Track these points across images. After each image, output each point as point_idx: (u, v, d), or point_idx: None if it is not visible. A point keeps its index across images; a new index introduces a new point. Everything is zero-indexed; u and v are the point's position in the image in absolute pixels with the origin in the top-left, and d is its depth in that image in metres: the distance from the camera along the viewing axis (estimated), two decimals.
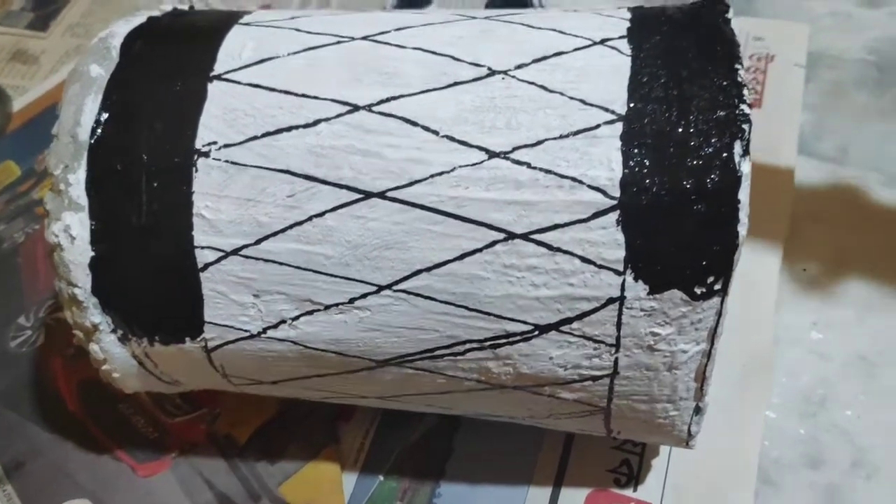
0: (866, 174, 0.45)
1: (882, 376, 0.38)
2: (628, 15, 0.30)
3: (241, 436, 0.38)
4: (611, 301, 0.27)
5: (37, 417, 0.40)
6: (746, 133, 0.26)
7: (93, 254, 0.29)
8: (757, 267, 0.41)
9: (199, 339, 0.30)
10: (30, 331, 0.43)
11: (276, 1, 0.59)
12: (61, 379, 0.41)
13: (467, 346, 0.28)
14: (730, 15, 0.30)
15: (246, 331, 0.29)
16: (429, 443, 0.37)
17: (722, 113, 0.26)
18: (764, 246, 0.42)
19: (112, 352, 0.31)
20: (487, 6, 0.52)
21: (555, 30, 0.29)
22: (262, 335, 0.29)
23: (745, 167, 0.25)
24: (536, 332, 0.28)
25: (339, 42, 0.30)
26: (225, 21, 0.32)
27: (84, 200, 0.29)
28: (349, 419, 0.38)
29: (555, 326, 0.28)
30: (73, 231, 0.29)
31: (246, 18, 0.32)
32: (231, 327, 0.29)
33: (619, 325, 0.27)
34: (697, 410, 0.30)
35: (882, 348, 0.38)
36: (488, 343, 0.28)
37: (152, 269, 0.29)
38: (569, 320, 0.27)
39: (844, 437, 0.36)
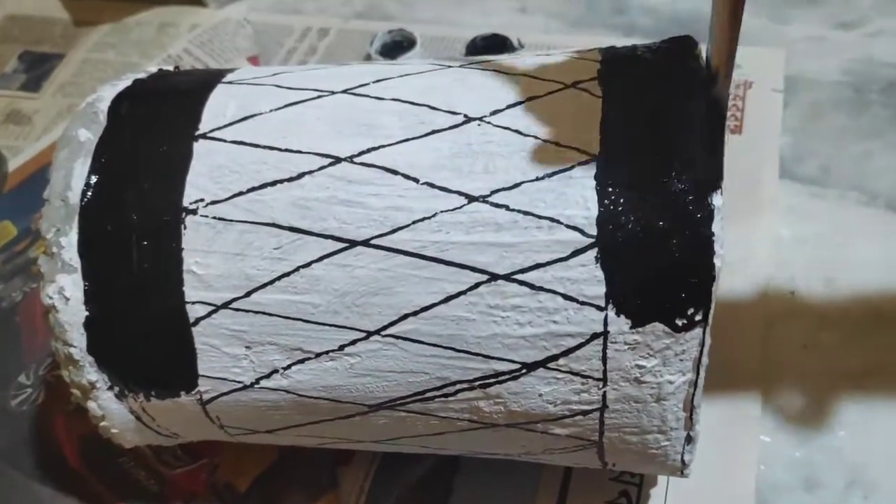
0: (847, 194, 0.46)
1: (872, 396, 0.38)
2: (599, 56, 0.31)
3: (242, 484, 0.39)
4: (595, 336, 0.27)
5: (39, 474, 0.40)
6: (719, 166, 0.26)
7: (87, 314, 0.30)
8: (744, 293, 0.42)
9: (194, 393, 0.30)
10: (30, 389, 0.43)
11: (264, 51, 0.60)
12: (62, 435, 0.41)
13: (457, 386, 0.29)
14: (698, 51, 0.30)
15: (239, 382, 0.30)
16: (429, 484, 0.38)
17: (692, 148, 0.27)
18: (749, 272, 0.42)
19: (110, 408, 0.32)
20: (468, 49, 0.53)
21: (527, 75, 0.30)
22: (256, 385, 0.30)
23: (717, 201, 0.26)
24: (524, 370, 0.28)
25: (319, 96, 0.31)
26: (208, 80, 0.33)
27: (77, 262, 0.30)
28: (348, 463, 0.39)
29: (542, 363, 0.28)
30: (66, 292, 0.30)
31: (229, 77, 0.33)
32: (225, 379, 0.30)
33: (604, 359, 0.28)
34: (689, 439, 0.30)
35: (871, 368, 0.39)
36: (478, 383, 0.29)
37: (146, 325, 0.30)
38: (555, 357, 0.28)
39: (839, 457, 0.36)
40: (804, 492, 0.36)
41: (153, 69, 0.35)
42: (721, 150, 0.27)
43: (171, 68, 0.36)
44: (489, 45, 0.53)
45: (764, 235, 0.44)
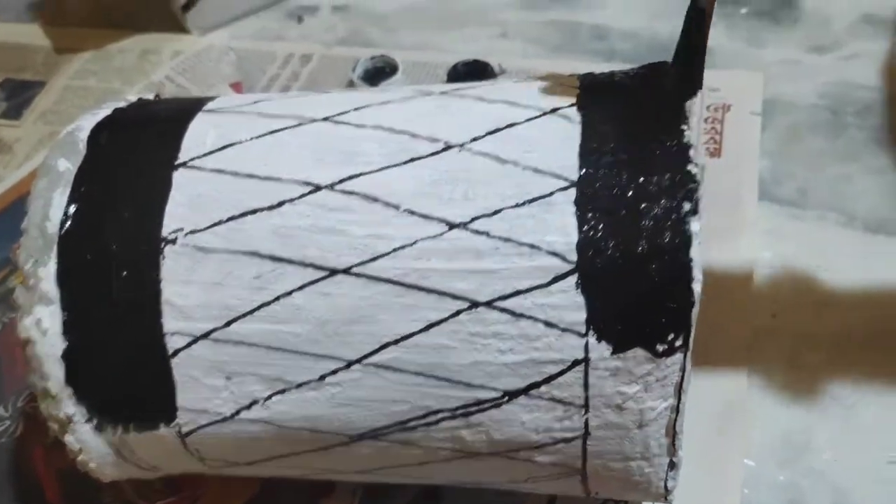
0: (826, 215, 0.46)
1: (856, 418, 0.38)
2: (578, 83, 0.31)
3: None
4: (576, 363, 0.27)
5: None
6: (695, 193, 0.27)
7: (65, 345, 0.30)
8: (726, 315, 0.42)
9: (173, 425, 0.30)
10: (9, 421, 0.43)
11: (246, 78, 0.60)
12: (41, 469, 0.41)
13: (440, 415, 0.29)
14: (676, 77, 0.31)
15: (219, 413, 0.30)
16: None
17: (669, 174, 0.27)
18: (731, 295, 0.43)
19: (88, 442, 0.31)
20: (449, 75, 0.54)
21: (507, 102, 0.30)
22: (236, 417, 0.30)
23: (696, 226, 0.26)
24: (506, 398, 0.28)
25: (299, 124, 0.31)
26: (188, 109, 0.33)
27: (55, 293, 0.30)
28: (330, 495, 0.38)
29: (524, 391, 0.28)
30: (44, 324, 0.29)
31: (209, 105, 0.33)
32: (204, 411, 0.30)
33: (586, 385, 0.28)
34: (672, 466, 0.30)
35: (855, 390, 0.39)
36: (460, 411, 0.28)
37: (124, 357, 0.29)
38: (537, 384, 0.28)
39: (823, 480, 0.36)
40: None
41: (133, 98, 0.35)
42: (701, 64, 0.29)
43: (151, 96, 0.36)
44: (470, 71, 0.54)
45: (744, 257, 0.44)
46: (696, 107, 0.47)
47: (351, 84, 0.56)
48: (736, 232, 0.45)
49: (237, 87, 0.59)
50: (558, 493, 0.33)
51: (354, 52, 0.60)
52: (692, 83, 0.29)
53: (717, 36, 0.58)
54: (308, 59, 0.61)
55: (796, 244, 0.45)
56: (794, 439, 0.38)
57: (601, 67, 0.33)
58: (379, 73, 0.56)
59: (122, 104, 0.34)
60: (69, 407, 0.30)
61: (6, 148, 0.58)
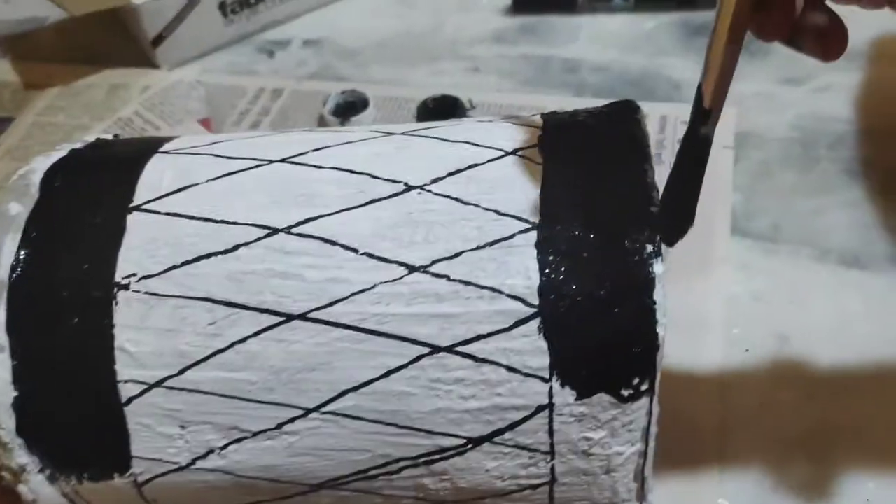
0: (800, 249, 0.46)
1: (830, 457, 0.37)
2: (540, 122, 0.31)
3: None
4: (540, 409, 0.27)
5: None
6: (657, 234, 0.26)
7: (15, 394, 0.29)
8: (697, 352, 0.41)
9: (128, 475, 0.29)
10: None
11: (216, 113, 0.59)
12: None
13: (401, 464, 0.28)
14: (639, 116, 0.30)
15: (175, 463, 0.29)
16: None
17: (632, 215, 0.27)
18: (704, 326, 0.42)
19: (42, 492, 0.30)
20: (419, 111, 0.53)
21: (469, 142, 0.30)
22: (192, 466, 0.29)
23: (659, 268, 0.26)
24: (470, 445, 0.27)
25: (257, 166, 0.30)
26: (144, 150, 0.32)
27: (5, 340, 0.29)
28: None
29: (487, 438, 0.27)
30: None
31: (166, 146, 0.32)
32: (159, 460, 0.29)
33: (551, 432, 0.27)
34: None
35: (828, 429, 0.38)
36: (422, 460, 0.28)
37: (76, 405, 0.29)
38: (501, 431, 0.27)
39: None
40: None
41: (91, 139, 0.35)
42: (696, 195, 0.27)
43: (110, 136, 0.36)
44: (440, 106, 0.53)
45: (716, 292, 0.44)
46: (667, 140, 0.47)
47: (321, 119, 0.56)
48: (708, 267, 0.45)
49: (206, 122, 0.58)
50: None
51: (325, 86, 0.60)
52: (684, 221, 0.27)
53: (690, 68, 0.58)
54: (279, 93, 0.60)
55: (769, 279, 0.44)
56: (767, 479, 0.37)
57: (572, 101, 0.33)
58: (350, 107, 0.56)
59: (78, 145, 0.34)
60: (22, 457, 0.29)
61: None
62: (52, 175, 0.31)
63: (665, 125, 0.53)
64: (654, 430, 0.27)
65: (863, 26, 0.58)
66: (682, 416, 0.38)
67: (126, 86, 0.63)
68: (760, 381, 0.40)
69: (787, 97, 0.55)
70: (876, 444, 0.38)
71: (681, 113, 0.54)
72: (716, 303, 0.43)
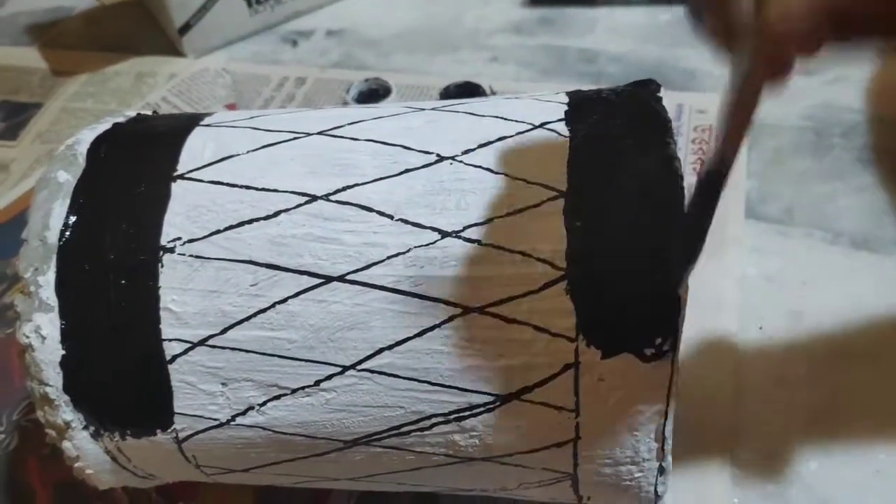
0: (813, 232, 0.47)
1: (842, 430, 0.39)
2: (566, 99, 0.32)
3: None
4: (567, 367, 0.28)
5: None
6: (680, 202, 0.27)
7: (63, 352, 0.30)
8: (714, 326, 0.42)
9: (169, 431, 0.30)
10: (3, 434, 0.43)
11: (241, 99, 0.61)
12: (36, 481, 0.41)
13: (433, 420, 0.29)
14: (661, 94, 0.32)
15: (215, 419, 0.30)
16: None
17: (656, 184, 0.28)
18: (719, 306, 0.43)
19: (85, 448, 0.32)
20: (441, 96, 0.55)
21: (498, 116, 0.31)
22: (232, 423, 0.30)
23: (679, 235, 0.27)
24: (498, 402, 0.29)
25: (295, 138, 0.32)
26: (186, 124, 0.33)
27: (54, 301, 0.30)
28: (324, 503, 0.38)
29: (516, 395, 0.28)
30: (43, 331, 0.30)
31: (206, 120, 0.34)
32: (200, 417, 0.30)
33: (576, 390, 0.28)
34: (661, 471, 0.30)
35: (840, 403, 0.40)
36: (453, 416, 0.29)
37: (122, 364, 0.30)
38: (529, 388, 0.28)
39: (810, 491, 0.37)
40: None
41: (132, 114, 0.36)
42: (702, 239, 0.27)
43: (149, 113, 0.37)
44: (462, 93, 0.55)
45: (731, 273, 0.45)
46: (683, 128, 0.48)
47: (345, 105, 0.57)
48: (723, 249, 0.46)
49: (232, 108, 0.60)
50: (550, 499, 0.33)
51: (348, 74, 0.61)
52: (694, 249, 0.27)
53: (704, 60, 0.59)
54: (302, 81, 0.62)
55: (782, 260, 0.46)
56: (780, 451, 0.38)
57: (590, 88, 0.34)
58: (372, 94, 0.57)
59: (120, 119, 0.35)
60: (67, 413, 0.31)
61: (3, 167, 0.59)
62: (98, 146, 0.33)
63: (681, 113, 0.54)
64: (675, 389, 0.28)
65: None
66: (699, 388, 0.39)
67: (153, 73, 0.65)
68: (773, 356, 0.42)
69: (800, 88, 0.56)
70: (885, 416, 0.39)
71: (695, 102, 0.55)
72: (731, 282, 0.45)
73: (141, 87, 0.64)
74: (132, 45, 0.68)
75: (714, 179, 0.26)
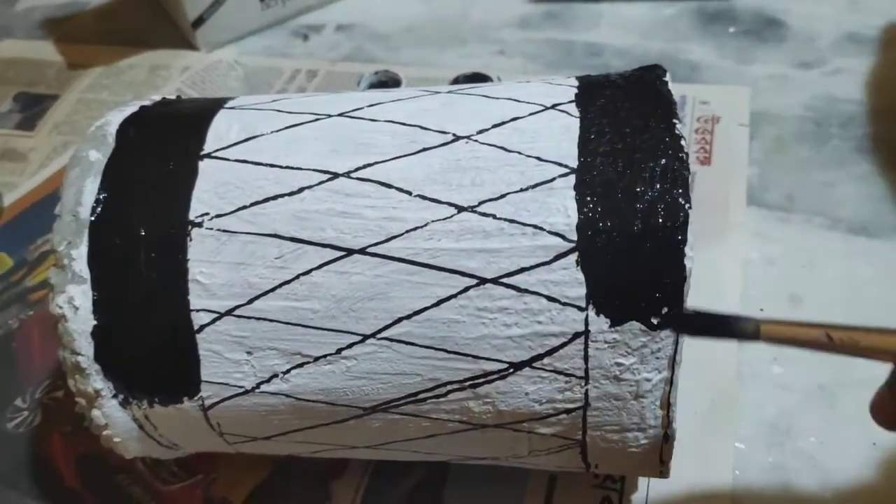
0: (812, 219, 0.48)
1: (840, 404, 0.40)
2: (576, 83, 0.34)
3: (237, 499, 0.40)
4: (577, 335, 0.29)
5: (36, 493, 0.41)
6: (686, 177, 0.29)
7: (95, 323, 0.31)
8: (717, 308, 0.44)
9: (196, 398, 0.32)
10: (26, 412, 0.44)
11: (254, 91, 0.62)
12: (59, 455, 0.42)
13: (448, 387, 0.31)
14: (666, 78, 0.33)
15: (240, 387, 0.31)
16: (419, 496, 0.39)
17: (663, 161, 0.29)
18: (721, 288, 0.45)
19: (114, 416, 0.33)
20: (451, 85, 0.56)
21: (511, 98, 0.33)
22: (256, 390, 0.31)
23: (687, 207, 0.28)
24: (511, 370, 0.30)
25: (316, 119, 0.33)
26: (211, 106, 0.35)
27: (86, 273, 0.31)
28: (340, 476, 0.40)
29: (528, 363, 0.30)
30: (76, 302, 0.31)
31: (230, 103, 0.35)
32: (226, 384, 0.31)
33: (586, 357, 0.29)
34: (666, 438, 0.32)
35: (839, 379, 0.41)
36: (468, 383, 0.30)
37: (151, 333, 0.31)
38: (540, 356, 0.30)
39: (810, 462, 0.38)
40: (779, 494, 0.37)
41: (157, 98, 0.37)
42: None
43: (174, 97, 0.38)
44: (471, 83, 0.56)
45: (733, 258, 0.46)
46: (686, 118, 0.50)
47: None
48: (725, 234, 0.48)
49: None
50: (559, 468, 0.34)
51: (359, 67, 0.63)
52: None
53: (707, 53, 0.60)
54: (314, 74, 0.63)
55: (783, 245, 0.47)
56: (781, 424, 0.40)
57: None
58: (383, 87, 0.59)
59: (147, 102, 0.37)
60: (97, 382, 0.32)
61: (21, 157, 0.60)
62: (126, 126, 0.34)
63: (684, 104, 0.56)
64: (680, 359, 0.30)
65: (874, 13, 0.61)
66: (700, 367, 0.40)
67: (167, 66, 0.66)
68: None
69: (800, 79, 0.57)
70: None
71: (699, 93, 0.57)
72: (732, 266, 0.46)
73: (155, 79, 0.65)
74: (145, 39, 0.69)
75: (742, 335, 0.29)
